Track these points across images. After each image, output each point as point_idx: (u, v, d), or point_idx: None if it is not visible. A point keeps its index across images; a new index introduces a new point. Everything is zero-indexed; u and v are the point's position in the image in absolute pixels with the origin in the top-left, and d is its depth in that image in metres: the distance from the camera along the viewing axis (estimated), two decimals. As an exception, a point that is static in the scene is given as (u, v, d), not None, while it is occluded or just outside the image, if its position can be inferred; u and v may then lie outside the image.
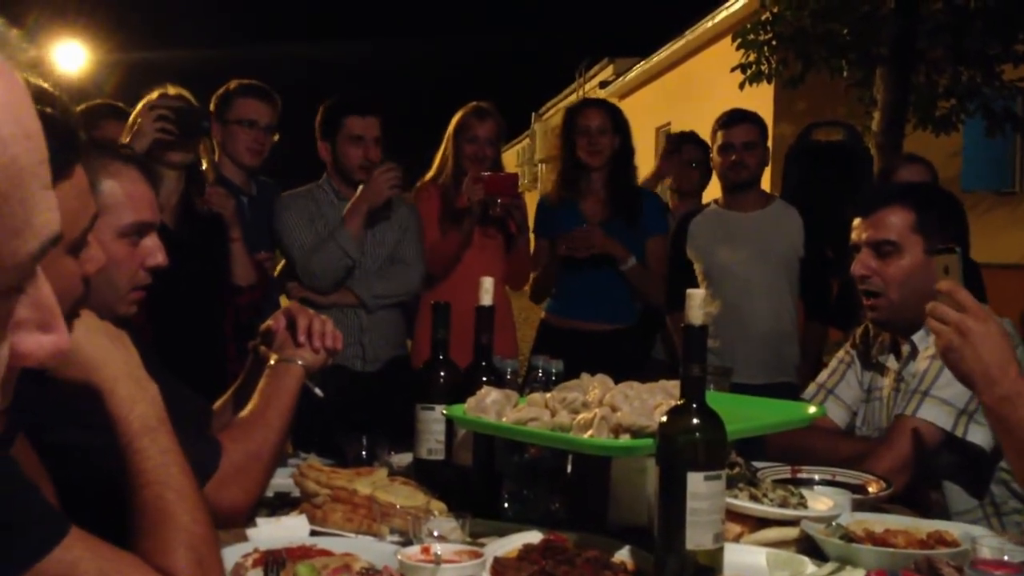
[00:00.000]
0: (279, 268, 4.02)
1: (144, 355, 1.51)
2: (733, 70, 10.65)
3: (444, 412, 2.06)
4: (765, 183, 4.54)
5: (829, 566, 1.69)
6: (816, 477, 2.27)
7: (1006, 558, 1.58)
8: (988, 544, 1.62)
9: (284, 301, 3.78)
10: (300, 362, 2.05)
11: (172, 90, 3.37)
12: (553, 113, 23.74)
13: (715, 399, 1.64)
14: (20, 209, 0.60)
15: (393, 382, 3.81)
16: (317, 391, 2.10)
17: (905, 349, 2.54)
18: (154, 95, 3.34)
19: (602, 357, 3.03)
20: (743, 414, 1.92)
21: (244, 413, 1.98)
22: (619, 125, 4.27)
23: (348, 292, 3.79)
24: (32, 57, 0.64)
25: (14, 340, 0.65)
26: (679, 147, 4.91)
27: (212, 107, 3.78)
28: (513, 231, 4.15)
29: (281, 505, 2.09)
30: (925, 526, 1.86)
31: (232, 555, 1.62)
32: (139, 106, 3.33)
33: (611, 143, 4.22)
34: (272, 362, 2.06)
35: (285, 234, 3.79)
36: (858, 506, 2.02)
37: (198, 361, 2.95)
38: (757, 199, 4.26)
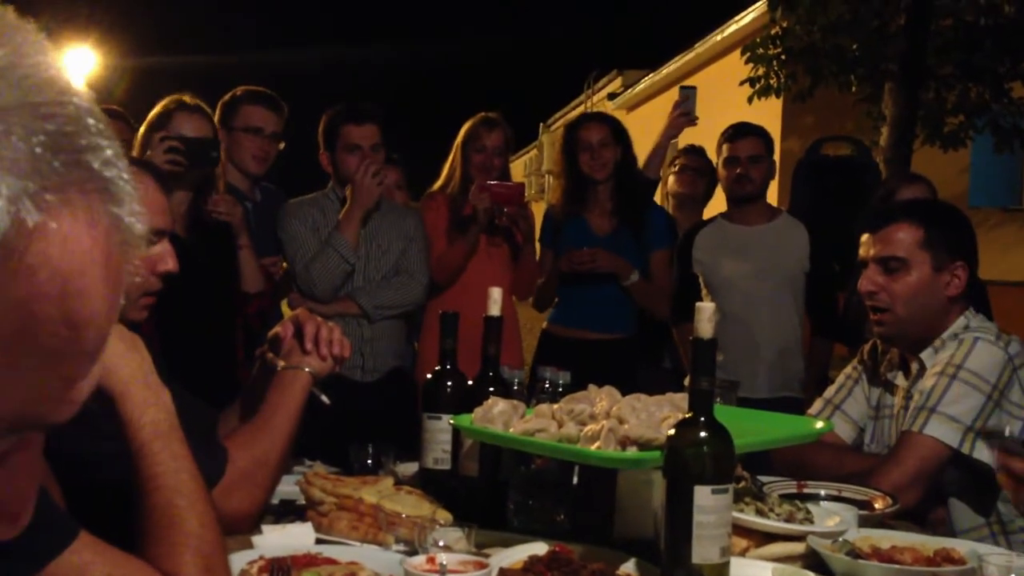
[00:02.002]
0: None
1: (153, 362, 1.52)
2: (742, 84, 10.67)
3: (451, 422, 2.06)
4: (772, 197, 4.54)
5: (835, 582, 1.69)
6: (822, 492, 2.26)
7: (1013, 576, 1.58)
8: (995, 562, 1.61)
9: (286, 310, 3.78)
10: (307, 369, 2.04)
11: (189, 99, 3.38)
12: (561, 124, 23.74)
13: (722, 413, 1.64)
14: (23, 386, 0.58)
15: (392, 393, 3.81)
16: (324, 398, 2.09)
17: (914, 367, 2.54)
18: (169, 103, 3.34)
19: (603, 366, 3.04)
20: (751, 428, 1.92)
21: (251, 420, 1.98)
22: (620, 136, 4.28)
23: (351, 302, 3.80)
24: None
25: None
26: (689, 101, 4.76)
27: (218, 113, 3.79)
28: (519, 241, 4.16)
29: (286, 513, 2.09)
30: (932, 543, 1.86)
31: (238, 562, 1.62)
32: (156, 109, 3.34)
33: (614, 155, 4.23)
34: (279, 369, 2.05)
35: (288, 243, 3.81)
36: (864, 522, 2.01)
37: (207, 368, 2.95)
38: (762, 213, 4.26)
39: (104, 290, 0.59)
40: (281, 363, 2.05)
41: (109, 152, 0.59)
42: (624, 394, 1.94)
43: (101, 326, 0.59)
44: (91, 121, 0.59)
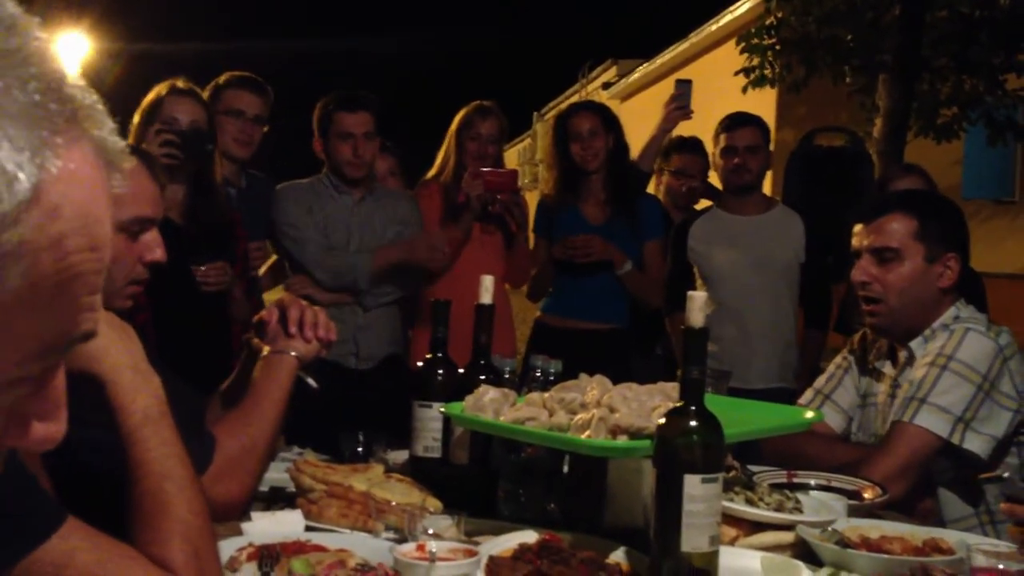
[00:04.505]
0: (269, 263, 4.02)
1: (147, 351, 1.51)
2: (737, 74, 10.67)
3: (442, 410, 2.06)
4: (766, 188, 4.54)
5: (824, 571, 1.69)
6: (812, 482, 2.26)
7: (1000, 567, 1.58)
8: (983, 552, 1.62)
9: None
10: (293, 353, 2.03)
11: (182, 83, 3.37)
12: (555, 113, 23.70)
13: (713, 402, 1.64)
14: (65, 311, 0.64)
15: (386, 380, 3.81)
16: (311, 382, 2.08)
17: (902, 356, 2.54)
18: (163, 89, 3.33)
19: (596, 356, 3.04)
20: (741, 418, 1.92)
21: (238, 406, 1.97)
22: (611, 125, 4.27)
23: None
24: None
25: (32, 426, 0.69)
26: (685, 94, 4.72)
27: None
28: (513, 229, 4.15)
29: (276, 500, 2.09)
30: (921, 533, 1.86)
31: (226, 549, 1.62)
32: (149, 97, 3.32)
33: (605, 144, 4.22)
34: (265, 354, 2.04)
35: (290, 226, 3.80)
36: (854, 512, 2.02)
37: (203, 357, 2.94)
38: (759, 203, 4.25)
39: (108, 209, 0.66)
40: (267, 348, 2.04)
41: (79, 79, 0.64)
42: (617, 384, 1.94)
43: (110, 240, 0.66)
44: (54, 52, 0.63)
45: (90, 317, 0.66)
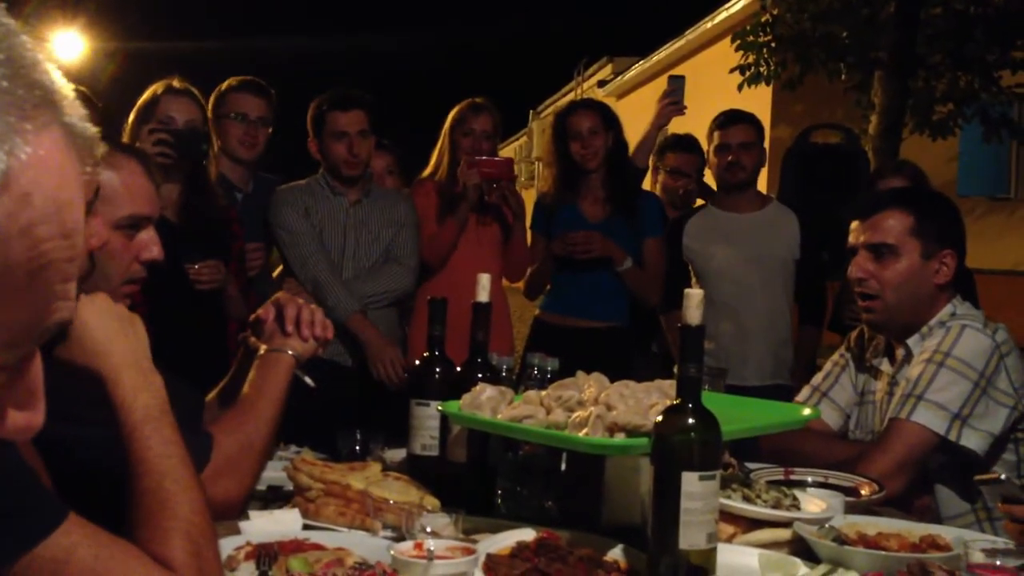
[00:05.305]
0: (276, 272, 4.01)
1: None
2: (732, 71, 10.66)
3: (439, 408, 2.06)
4: (762, 185, 4.54)
5: (821, 568, 1.69)
6: (809, 479, 2.27)
7: (998, 563, 1.58)
8: (980, 548, 1.62)
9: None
10: (290, 351, 2.02)
11: (178, 83, 3.37)
12: (551, 111, 23.70)
13: (710, 399, 1.64)
14: (38, 299, 0.63)
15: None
16: (308, 380, 2.07)
17: (900, 353, 2.55)
18: (160, 88, 3.34)
19: (595, 355, 3.04)
20: (738, 415, 1.92)
21: (235, 404, 1.96)
22: (610, 123, 4.25)
23: None
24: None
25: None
26: (678, 90, 4.69)
27: (210, 107, 3.78)
28: (510, 220, 4.14)
29: (274, 499, 2.09)
30: (918, 530, 1.87)
31: (225, 548, 1.61)
32: (144, 96, 3.33)
33: (604, 142, 4.21)
34: (262, 352, 2.04)
35: (283, 230, 3.79)
36: (851, 509, 2.02)
37: (200, 355, 2.94)
38: (753, 200, 4.26)
39: (80, 195, 0.64)
40: (263, 346, 2.04)
41: (46, 63, 0.64)
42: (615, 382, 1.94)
43: (83, 227, 0.65)
44: (23, 38, 0.63)
45: (64, 305, 0.65)
